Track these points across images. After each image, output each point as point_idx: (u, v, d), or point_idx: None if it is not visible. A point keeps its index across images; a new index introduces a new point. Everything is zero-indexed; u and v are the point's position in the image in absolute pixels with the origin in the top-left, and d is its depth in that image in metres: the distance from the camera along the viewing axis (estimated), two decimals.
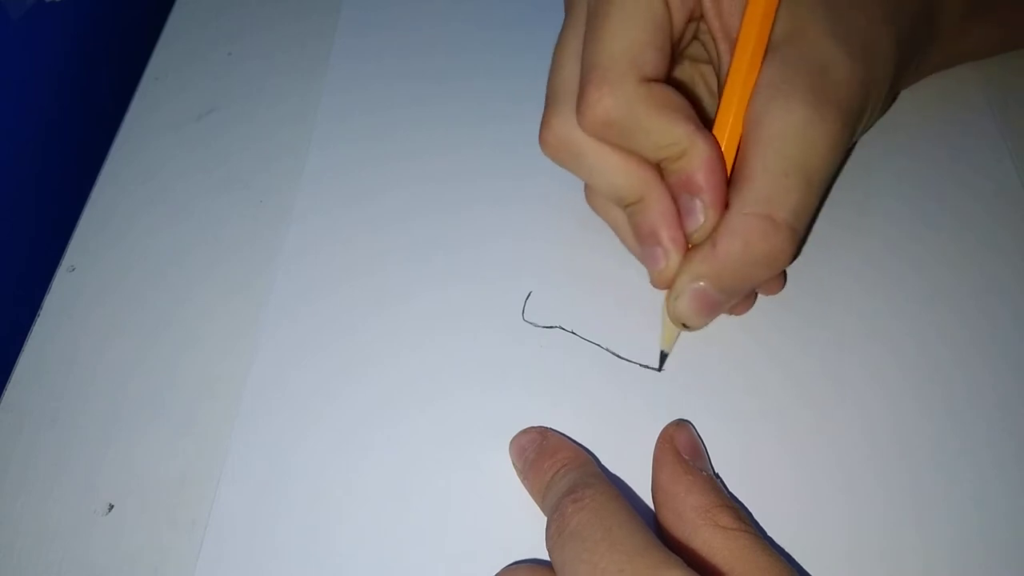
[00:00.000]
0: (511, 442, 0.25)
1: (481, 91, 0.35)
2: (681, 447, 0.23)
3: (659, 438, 0.24)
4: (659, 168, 0.25)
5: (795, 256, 0.24)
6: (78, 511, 0.24)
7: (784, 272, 0.28)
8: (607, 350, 0.27)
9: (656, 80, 0.24)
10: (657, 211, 0.24)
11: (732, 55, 0.24)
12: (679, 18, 0.25)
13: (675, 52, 0.25)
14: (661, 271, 0.25)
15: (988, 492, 0.24)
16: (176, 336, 0.28)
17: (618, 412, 0.26)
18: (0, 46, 0.39)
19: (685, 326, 0.25)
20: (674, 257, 0.25)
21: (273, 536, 0.24)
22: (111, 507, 0.24)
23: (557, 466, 0.23)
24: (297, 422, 0.26)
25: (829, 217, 0.30)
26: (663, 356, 0.27)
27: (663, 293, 0.25)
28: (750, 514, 0.23)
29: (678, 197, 0.24)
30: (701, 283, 0.24)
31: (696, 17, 0.25)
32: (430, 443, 0.25)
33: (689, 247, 0.25)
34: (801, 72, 0.23)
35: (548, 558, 0.21)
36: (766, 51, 0.24)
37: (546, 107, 0.26)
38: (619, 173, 0.25)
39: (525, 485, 0.24)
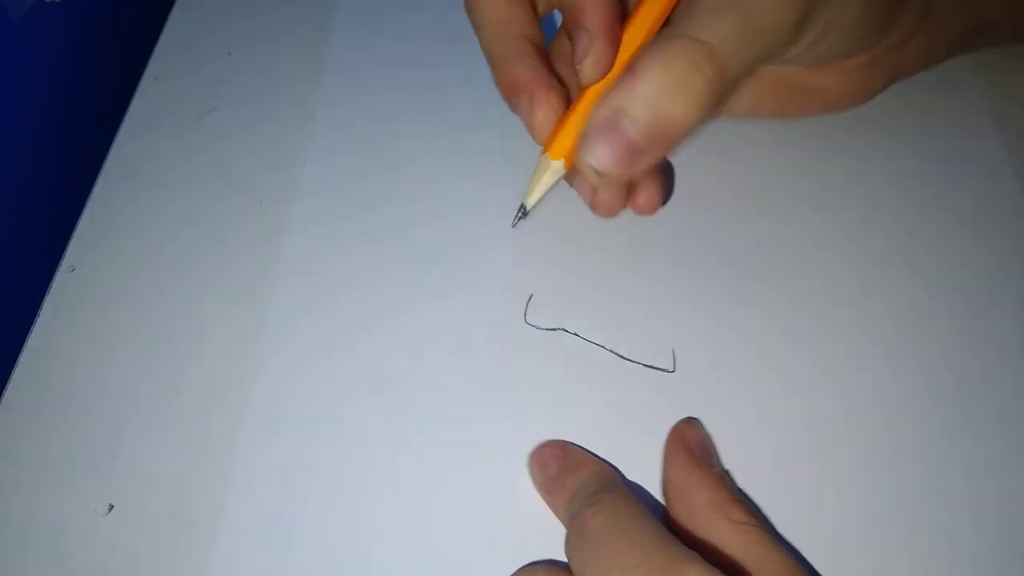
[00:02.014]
0: (532, 454, 0.24)
1: (483, 95, 0.35)
2: (692, 443, 0.23)
3: (669, 435, 0.24)
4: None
5: (720, 97, 0.22)
6: (78, 511, 0.24)
7: (667, 184, 0.25)
8: (611, 351, 0.27)
9: None
10: (518, 53, 0.24)
11: None
12: None
13: None
14: (540, 121, 0.24)
15: (1000, 489, 0.24)
16: (177, 336, 0.28)
17: (624, 412, 0.26)
18: (0, 46, 0.39)
19: (597, 172, 0.23)
20: (553, 100, 0.24)
21: (275, 537, 0.24)
22: (111, 507, 0.25)
23: (580, 482, 0.22)
24: (302, 424, 0.26)
25: (831, 217, 0.30)
26: (522, 211, 0.25)
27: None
28: (760, 510, 0.23)
29: (569, 32, 0.23)
30: (620, 116, 0.22)
31: None
32: (438, 450, 0.25)
33: (583, 88, 0.23)
34: None
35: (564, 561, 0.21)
36: None
37: None
38: (504, 24, 0.25)
39: (545, 499, 0.24)
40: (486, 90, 0.35)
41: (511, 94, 0.24)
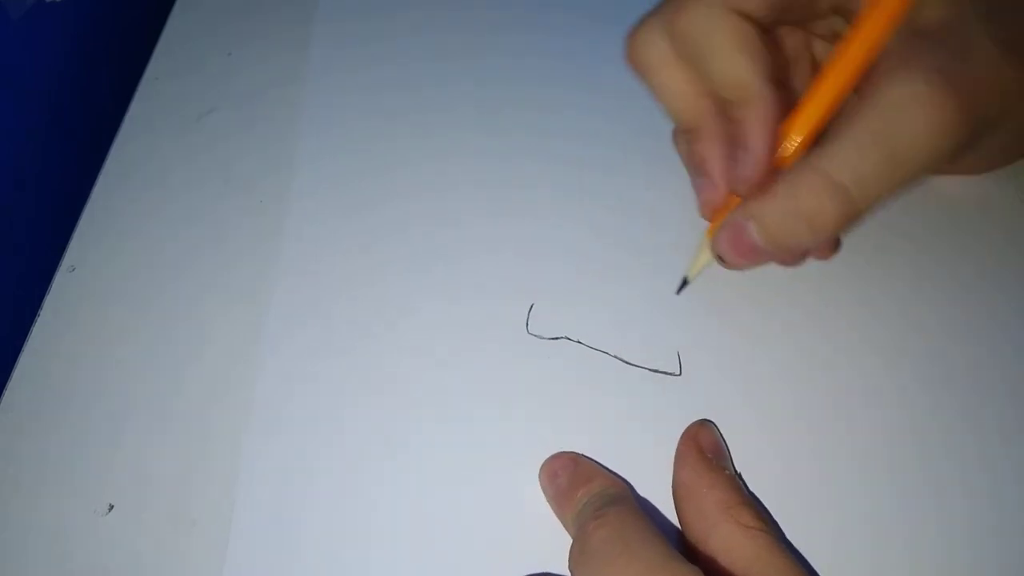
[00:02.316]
0: (542, 466, 0.24)
1: (486, 96, 0.36)
2: (704, 445, 0.23)
3: (682, 436, 0.24)
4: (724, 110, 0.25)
5: (846, 228, 0.23)
6: (78, 511, 0.24)
7: (838, 240, 0.27)
8: (616, 357, 0.27)
9: (754, 20, 0.23)
10: (709, 143, 0.25)
11: (860, 18, 0.23)
12: None
13: (797, 12, 0.25)
14: (706, 201, 0.25)
15: (1008, 495, 0.24)
16: (177, 336, 0.28)
17: (630, 419, 0.26)
18: (0, 46, 0.39)
19: (722, 260, 0.25)
20: (718, 189, 0.25)
21: (276, 537, 0.24)
22: (111, 507, 0.24)
23: (589, 495, 0.22)
24: (302, 424, 0.26)
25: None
26: (684, 283, 0.27)
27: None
28: (769, 514, 0.23)
29: (732, 145, 0.24)
30: (747, 222, 0.24)
31: None
32: (439, 453, 0.25)
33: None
34: (936, 52, 0.21)
35: (564, 572, 0.21)
36: (913, 31, 0.22)
37: (644, 15, 0.26)
38: (685, 96, 0.25)
39: (555, 511, 0.23)
40: (500, 91, 0.35)
41: (695, 167, 0.26)
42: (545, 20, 0.39)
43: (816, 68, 0.27)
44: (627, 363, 0.27)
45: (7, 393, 0.27)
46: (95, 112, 0.45)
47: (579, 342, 0.27)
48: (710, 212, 0.26)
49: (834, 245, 0.27)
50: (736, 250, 0.24)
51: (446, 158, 0.33)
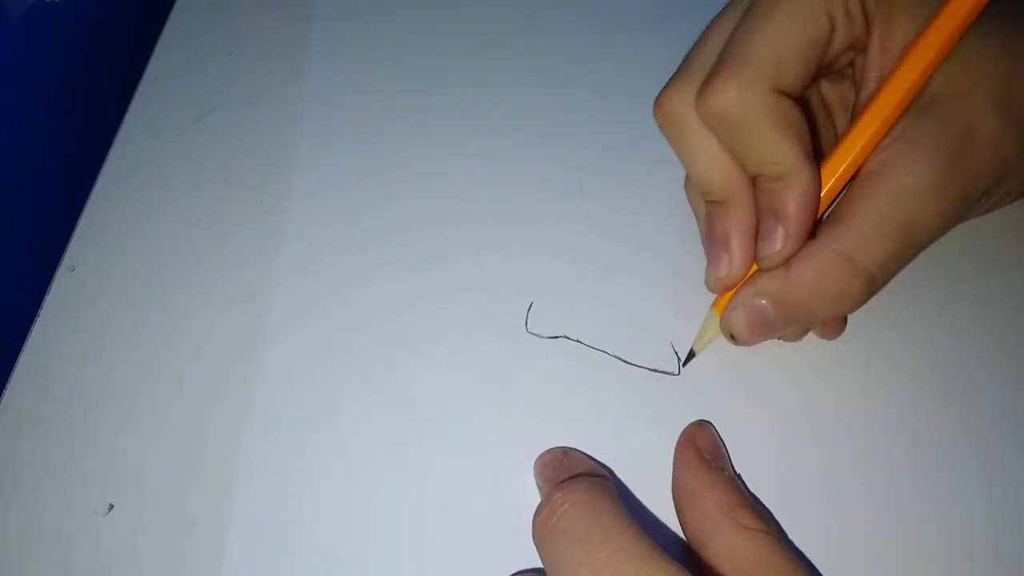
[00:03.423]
0: (535, 461, 0.24)
1: (486, 96, 0.36)
2: (703, 446, 0.23)
3: (680, 438, 0.24)
4: (753, 180, 0.24)
5: (864, 304, 0.24)
6: (78, 511, 0.24)
7: (845, 318, 0.27)
8: (615, 356, 0.27)
9: (788, 94, 0.23)
10: (736, 218, 0.24)
11: (878, 90, 0.23)
12: (839, 43, 0.24)
13: (820, 73, 0.25)
14: (719, 276, 0.25)
15: (1008, 495, 0.24)
16: (177, 336, 0.28)
17: (630, 418, 0.26)
18: (0, 46, 0.39)
19: (733, 338, 0.25)
20: (737, 268, 0.24)
21: (276, 537, 0.24)
22: (111, 507, 0.24)
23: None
24: (302, 424, 0.26)
25: None
26: (691, 355, 0.26)
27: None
28: (771, 515, 0.23)
29: (762, 216, 0.24)
30: (763, 301, 0.24)
31: (858, 48, 0.24)
32: (440, 458, 0.25)
33: (755, 267, 0.25)
34: (944, 133, 0.23)
35: None
36: (923, 103, 0.23)
37: (675, 73, 0.25)
38: (714, 166, 0.24)
39: None
40: (500, 91, 0.35)
41: (716, 242, 0.25)
42: (545, 20, 0.39)
43: (825, 110, 0.27)
44: (626, 362, 0.27)
45: (7, 393, 0.27)
46: (95, 112, 0.45)
47: (578, 341, 0.27)
48: (721, 289, 0.25)
49: (842, 328, 0.27)
50: (751, 329, 0.24)
51: (446, 158, 0.33)
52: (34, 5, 0.40)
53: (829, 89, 0.27)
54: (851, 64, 0.26)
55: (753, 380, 0.26)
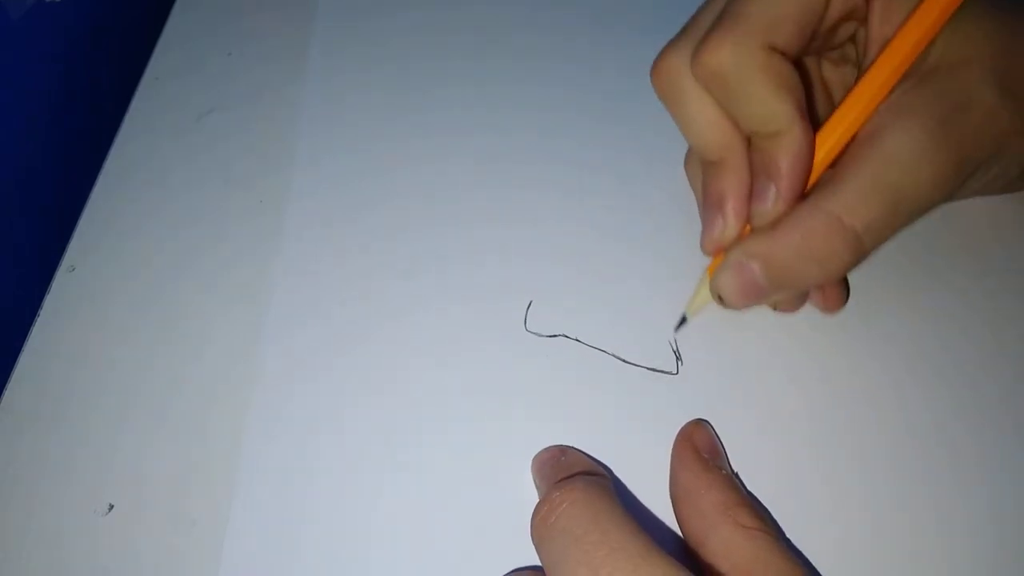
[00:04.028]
0: (532, 460, 0.24)
1: (485, 96, 0.36)
2: (700, 445, 0.23)
3: (677, 437, 0.24)
4: (749, 141, 0.24)
5: (852, 268, 0.23)
6: (78, 511, 0.24)
7: (847, 291, 0.27)
8: (613, 355, 0.27)
9: (784, 54, 0.23)
10: (731, 179, 0.24)
11: (875, 58, 0.23)
12: (836, 9, 0.24)
13: (819, 40, 0.25)
14: (713, 238, 0.25)
15: (1008, 495, 0.24)
16: (177, 336, 0.28)
17: (628, 417, 0.26)
18: (0, 46, 0.39)
19: (722, 300, 0.25)
20: (731, 228, 0.24)
21: (276, 537, 0.24)
22: (111, 507, 0.25)
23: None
24: (302, 424, 0.26)
25: None
26: (683, 320, 0.26)
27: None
28: (768, 514, 0.23)
29: (755, 175, 0.24)
30: (751, 262, 0.23)
31: (858, 18, 0.25)
32: (439, 457, 0.25)
33: (748, 227, 0.24)
34: (939, 101, 0.23)
35: None
36: (921, 73, 0.23)
37: (673, 39, 0.25)
38: (710, 127, 0.24)
39: None
40: (500, 91, 0.35)
41: (710, 201, 0.25)
42: (545, 20, 0.39)
43: (826, 92, 0.27)
44: (625, 361, 0.27)
45: (7, 393, 0.27)
46: (95, 112, 0.45)
47: (577, 340, 0.27)
48: (715, 249, 0.25)
49: (843, 299, 0.27)
50: (739, 291, 0.24)
51: (445, 158, 0.33)
52: (34, 5, 0.40)
53: (831, 71, 0.27)
54: (853, 40, 0.26)
55: (751, 379, 0.26)
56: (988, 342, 0.27)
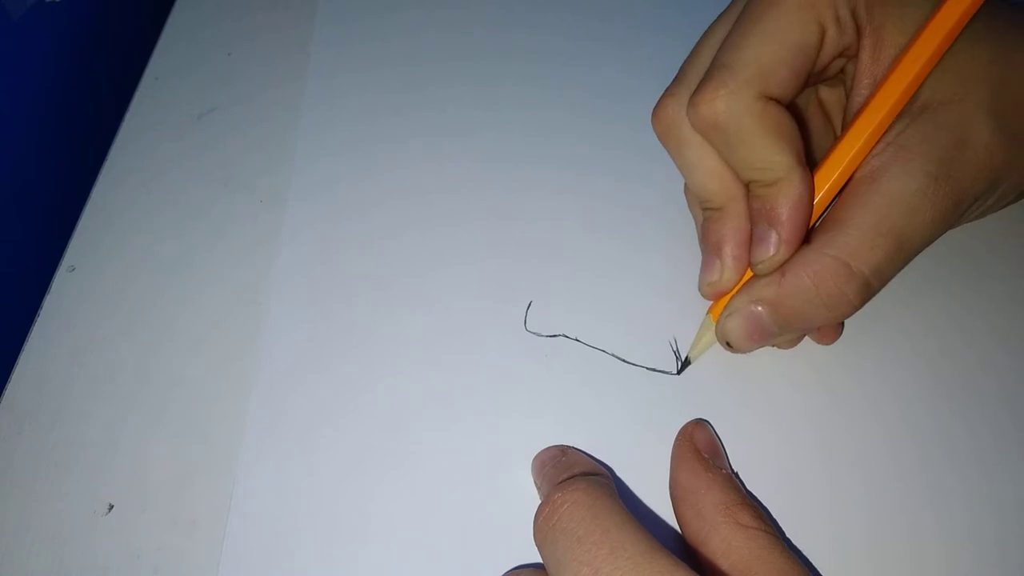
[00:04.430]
0: (533, 459, 0.24)
1: (485, 96, 0.36)
2: (700, 445, 0.23)
3: (678, 436, 0.24)
4: (747, 188, 0.24)
5: (858, 310, 0.24)
6: (78, 511, 0.24)
7: (841, 324, 0.27)
8: (613, 355, 0.27)
9: (778, 101, 0.23)
10: (730, 226, 0.25)
11: (870, 98, 0.23)
12: (829, 50, 0.24)
13: (811, 80, 0.25)
14: (711, 283, 0.25)
15: (1008, 496, 0.24)
16: (177, 336, 0.28)
17: (628, 416, 0.26)
18: (0, 46, 0.39)
19: (729, 345, 0.25)
20: (728, 273, 0.25)
21: (276, 537, 0.24)
22: (111, 507, 0.25)
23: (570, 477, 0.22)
24: (301, 424, 0.26)
25: None
26: (686, 362, 0.27)
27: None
28: (769, 514, 0.23)
29: (755, 222, 0.24)
30: (759, 308, 0.24)
31: (849, 55, 0.25)
32: (439, 456, 0.25)
33: (748, 272, 0.25)
34: (937, 141, 0.23)
35: None
36: (915, 110, 0.23)
37: (671, 84, 0.26)
38: (710, 176, 0.25)
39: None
40: (500, 91, 0.35)
41: (710, 248, 0.25)
42: (545, 20, 0.39)
43: (824, 114, 0.27)
44: (624, 361, 0.27)
45: (7, 393, 0.27)
46: (95, 112, 0.45)
47: (576, 340, 0.27)
48: (712, 294, 0.25)
49: (838, 333, 0.27)
50: (747, 335, 0.24)
51: (445, 158, 0.33)
52: (34, 5, 0.40)
53: (828, 94, 0.27)
54: (843, 71, 0.26)
55: (751, 379, 0.26)
56: (988, 345, 0.27)
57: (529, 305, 0.28)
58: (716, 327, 0.25)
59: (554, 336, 0.27)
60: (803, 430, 0.25)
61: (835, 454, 0.25)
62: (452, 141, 0.34)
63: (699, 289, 0.26)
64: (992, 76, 0.23)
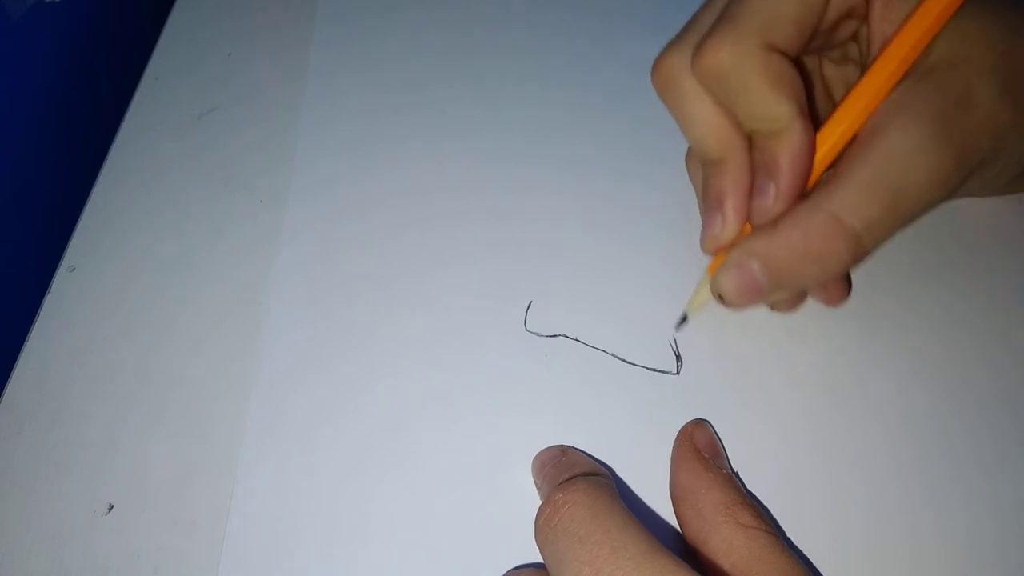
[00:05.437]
0: (533, 460, 0.24)
1: (485, 96, 0.36)
2: (700, 445, 0.23)
3: (678, 436, 0.24)
4: (750, 140, 0.24)
5: (852, 267, 0.23)
6: (78, 511, 0.24)
7: (849, 284, 0.27)
8: (613, 355, 0.27)
9: (783, 53, 0.23)
10: (731, 178, 0.24)
11: (875, 58, 0.23)
12: (835, 8, 0.24)
13: (819, 39, 0.25)
14: (713, 236, 0.25)
15: (1008, 496, 0.24)
16: (177, 336, 0.28)
17: (628, 416, 0.26)
18: (0, 46, 0.39)
19: (722, 299, 0.25)
20: (730, 227, 0.24)
21: (276, 537, 0.24)
22: (111, 507, 0.25)
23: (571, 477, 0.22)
24: (301, 424, 0.26)
25: None
26: (684, 318, 0.26)
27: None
28: (769, 513, 0.23)
29: (756, 173, 0.24)
30: (752, 261, 0.23)
31: (858, 16, 0.25)
32: (440, 456, 0.25)
33: (749, 226, 0.24)
34: (938, 98, 0.22)
35: None
36: (921, 71, 0.23)
37: (673, 39, 0.25)
38: (710, 128, 0.24)
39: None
40: (500, 91, 0.35)
41: (709, 199, 0.25)
42: (545, 20, 0.39)
43: (827, 92, 0.27)
44: (624, 361, 0.27)
45: (7, 393, 0.27)
46: (95, 112, 0.45)
47: (576, 340, 0.27)
48: (714, 248, 0.25)
49: (845, 293, 0.27)
50: (740, 290, 0.24)
51: (445, 158, 0.33)
52: (34, 5, 0.40)
53: (832, 70, 0.27)
54: (855, 38, 0.25)
55: (751, 379, 0.26)
56: (988, 342, 0.27)
57: (529, 305, 0.28)
58: (710, 281, 0.25)
59: (554, 336, 0.27)
60: (803, 430, 0.25)
61: (835, 454, 0.25)
62: (452, 141, 0.34)
63: (701, 245, 0.25)
64: (998, 41, 0.23)
